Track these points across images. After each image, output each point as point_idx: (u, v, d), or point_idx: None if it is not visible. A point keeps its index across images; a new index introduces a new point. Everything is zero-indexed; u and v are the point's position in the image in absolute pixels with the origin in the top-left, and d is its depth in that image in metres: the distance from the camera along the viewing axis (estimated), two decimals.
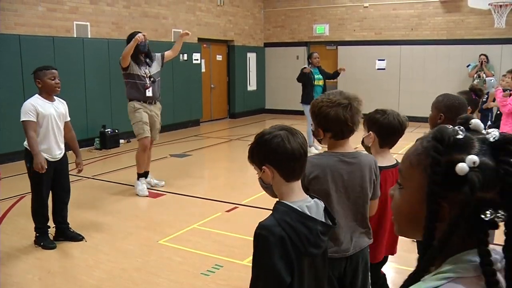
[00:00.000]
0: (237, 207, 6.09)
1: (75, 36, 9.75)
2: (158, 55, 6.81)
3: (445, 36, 13.48)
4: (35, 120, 4.55)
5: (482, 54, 12.02)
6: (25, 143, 4.63)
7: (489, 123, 6.73)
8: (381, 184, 2.69)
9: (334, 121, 2.31)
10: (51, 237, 4.92)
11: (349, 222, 2.44)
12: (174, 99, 12.10)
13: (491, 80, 7.79)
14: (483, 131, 1.02)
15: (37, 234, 4.85)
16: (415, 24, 13.85)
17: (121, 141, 10.45)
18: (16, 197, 6.44)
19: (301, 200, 1.90)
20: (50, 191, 4.85)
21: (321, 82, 9.53)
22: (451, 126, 1.03)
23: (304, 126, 8.09)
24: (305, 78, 9.48)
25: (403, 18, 13.98)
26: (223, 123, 14.47)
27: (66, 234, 4.97)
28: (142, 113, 6.50)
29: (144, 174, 6.71)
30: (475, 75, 11.61)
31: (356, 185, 2.42)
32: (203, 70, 13.62)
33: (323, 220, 1.91)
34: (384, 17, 14.22)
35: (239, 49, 15.06)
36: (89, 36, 10.03)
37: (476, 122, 1.02)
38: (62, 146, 4.83)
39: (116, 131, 10.24)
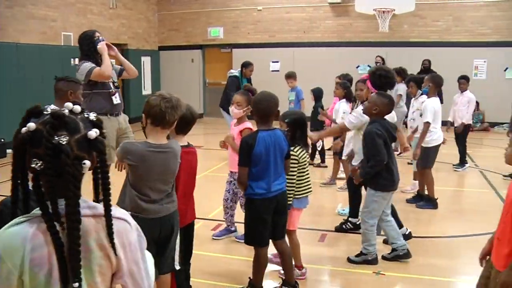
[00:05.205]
0: None
1: None
2: (116, 66, 5.88)
3: (336, 39, 14.06)
4: None
5: (378, 56, 12.58)
6: None
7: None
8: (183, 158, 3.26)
9: (153, 106, 2.88)
10: None
11: (161, 194, 3.06)
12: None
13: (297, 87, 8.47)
14: (85, 115, 1.40)
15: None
16: (307, 27, 14.31)
17: (8, 151, 9.75)
18: None
19: None
20: None
21: None
22: (52, 106, 1.37)
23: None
24: (234, 86, 9.17)
25: (296, 21, 14.38)
26: None
27: None
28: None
29: None
30: None
31: (169, 169, 3.05)
32: None
33: None
34: (278, 20, 14.55)
35: (133, 53, 14.64)
36: None
37: (67, 105, 1.38)
38: None
39: (2, 140, 9.55)
